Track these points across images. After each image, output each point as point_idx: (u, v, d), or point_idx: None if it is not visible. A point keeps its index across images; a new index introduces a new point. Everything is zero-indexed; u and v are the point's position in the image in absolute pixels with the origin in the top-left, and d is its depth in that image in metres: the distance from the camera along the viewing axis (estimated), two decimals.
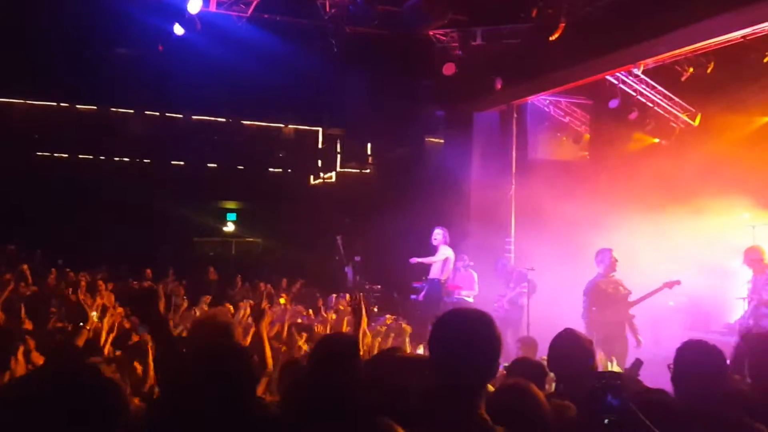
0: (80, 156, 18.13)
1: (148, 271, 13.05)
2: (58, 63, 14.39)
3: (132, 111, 18.15)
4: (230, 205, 19.96)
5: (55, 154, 18.00)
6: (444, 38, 12.02)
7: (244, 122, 19.51)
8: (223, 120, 19.27)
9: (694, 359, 3.22)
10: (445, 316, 2.29)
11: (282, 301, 8.93)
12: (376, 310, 11.47)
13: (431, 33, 11.96)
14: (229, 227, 20.06)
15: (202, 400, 2.38)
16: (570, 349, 3.13)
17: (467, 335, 2.18)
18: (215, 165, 19.35)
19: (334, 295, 9.01)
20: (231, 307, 10.07)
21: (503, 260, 11.71)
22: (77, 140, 17.77)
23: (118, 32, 13.10)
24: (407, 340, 7.23)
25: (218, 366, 2.49)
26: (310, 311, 9.17)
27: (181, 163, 18.93)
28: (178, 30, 10.96)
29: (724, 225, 10.67)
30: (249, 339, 4.14)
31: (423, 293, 11.34)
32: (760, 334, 4.29)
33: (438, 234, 11.13)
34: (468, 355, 2.15)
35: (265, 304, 3.85)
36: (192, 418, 2.36)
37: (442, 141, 16.21)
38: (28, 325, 5.02)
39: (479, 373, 2.16)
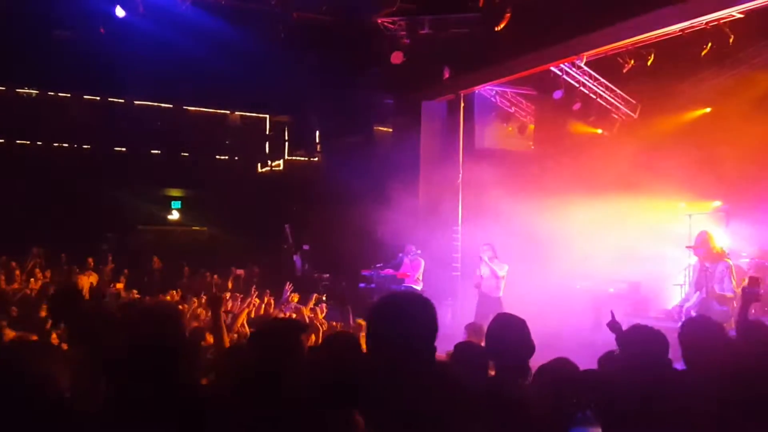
0: (18, 141, 17.51)
1: (90, 259, 12.75)
2: None
3: (72, 95, 17.58)
4: (175, 192, 19.58)
5: None
6: (392, 26, 11.99)
7: (189, 108, 19.11)
8: (167, 105, 18.84)
9: (639, 342, 3.35)
10: (382, 299, 2.37)
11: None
12: (324, 298, 11.40)
13: (379, 21, 11.92)
14: (174, 215, 19.70)
15: (132, 378, 2.37)
16: (504, 332, 3.17)
17: (402, 315, 2.26)
18: (159, 152, 18.93)
19: (289, 285, 8.87)
20: (176, 294, 9.88)
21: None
22: (15, 124, 17.12)
23: (58, 14, 12.65)
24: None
25: (146, 342, 2.46)
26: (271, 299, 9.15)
27: (123, 149, 18.46)
28: (120, 12, 10.67)
29: (662, 214, 11.01)
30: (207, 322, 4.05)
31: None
32: (694, 319, 4.39)
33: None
34: (403, 334, 2.21)
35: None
36: (124, 397, 2.34)
37: (390, 129, 16.22)
38: None
39: (414, 351, 2.21)
